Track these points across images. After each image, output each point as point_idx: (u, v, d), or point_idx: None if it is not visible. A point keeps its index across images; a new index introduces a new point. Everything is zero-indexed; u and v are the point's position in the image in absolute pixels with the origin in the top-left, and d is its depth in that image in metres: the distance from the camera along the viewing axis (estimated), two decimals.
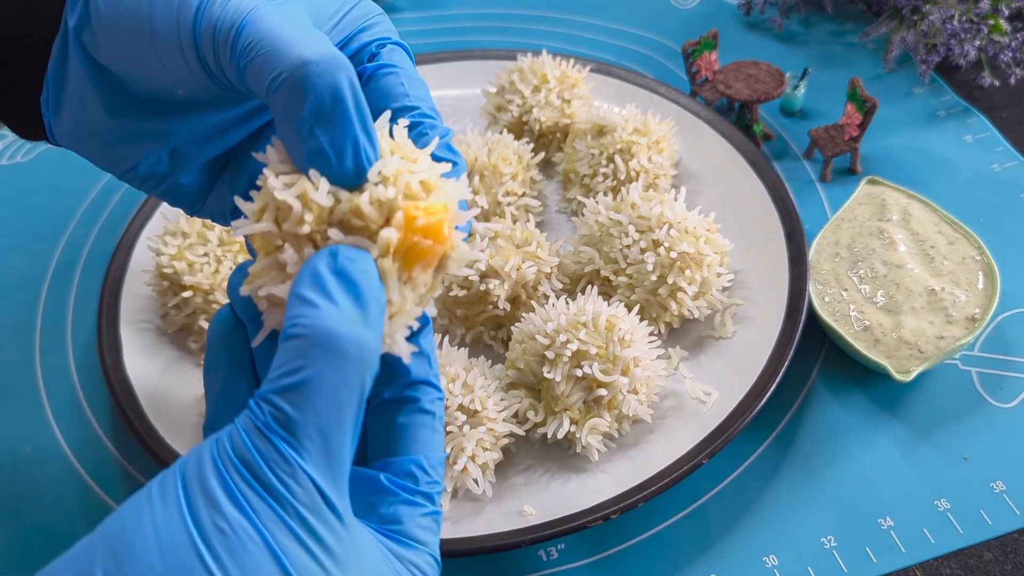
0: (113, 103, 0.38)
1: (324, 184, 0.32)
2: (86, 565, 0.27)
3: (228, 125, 0.41)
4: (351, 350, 0.29)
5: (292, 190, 0.32)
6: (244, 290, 0.33)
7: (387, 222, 0.33)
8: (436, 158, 0.38)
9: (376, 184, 0.33)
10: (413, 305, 0.34)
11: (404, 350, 0.34)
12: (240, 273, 0.37)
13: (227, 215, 0.43)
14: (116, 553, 0.27)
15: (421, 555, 0.35)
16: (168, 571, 0.27)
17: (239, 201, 0.34)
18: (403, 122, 0.36)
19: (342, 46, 0.39)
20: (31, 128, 0.41)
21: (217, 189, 0.43)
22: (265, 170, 0.33)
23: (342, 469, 0.30)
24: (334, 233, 0.32)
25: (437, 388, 0.38)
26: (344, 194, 0.32)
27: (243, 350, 0.37)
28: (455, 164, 0.38)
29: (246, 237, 0.34)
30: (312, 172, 0.32)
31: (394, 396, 0.37)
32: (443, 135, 0.39)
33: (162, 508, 0.28)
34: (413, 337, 0.37)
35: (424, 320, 0.38)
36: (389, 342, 0.33)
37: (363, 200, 0.32)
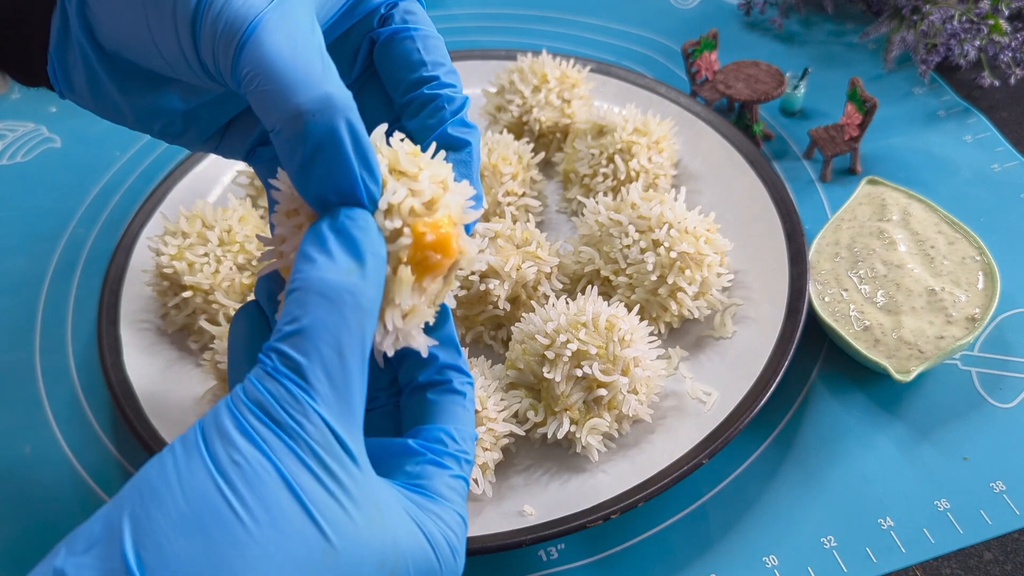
0: (123, 84, 0.39)
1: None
2: (115, 512, 0.28)
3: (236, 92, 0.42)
4: (347, 298, 0.31)
5: (297, 235, 0.34)
6: (279, 314, 0.35)
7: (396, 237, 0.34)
8: (450, 138, 0.39)
9: (382, 212, 0.34)
10: (426, 307, 0.35)
11: (421, 344, 0.35)
12: (264, 282, 0.39)
13: (243, 153, 0.44)
14: (142, 495, 0.28)
15: (446, 509, 0.35)
16: (190, 505, 0.28)
17: (258, 238, 0.36)
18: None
19: (351, 7, 0.39)
20: (30, 75, 0.42)
21: (228, 140, 0.44)
22: (276, 209, 0.35)
23: (353, 416, 0.31)
24: None
25: (466, 373, 0.39)
26: None
27: (268, 332, 0.38)
28: (469, 143, 0.39)
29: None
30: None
31: (427, 380, 0.38)
32: (459, 108, 0.39)
33: (183, 453, 0.29)
34: (436, 331, 0.39)
35: (445, 314, 0.39)
36: (405, 338, 0.35)
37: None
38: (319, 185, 0.32)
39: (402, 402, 0.39)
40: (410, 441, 0.36)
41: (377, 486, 0.32)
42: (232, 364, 0.39)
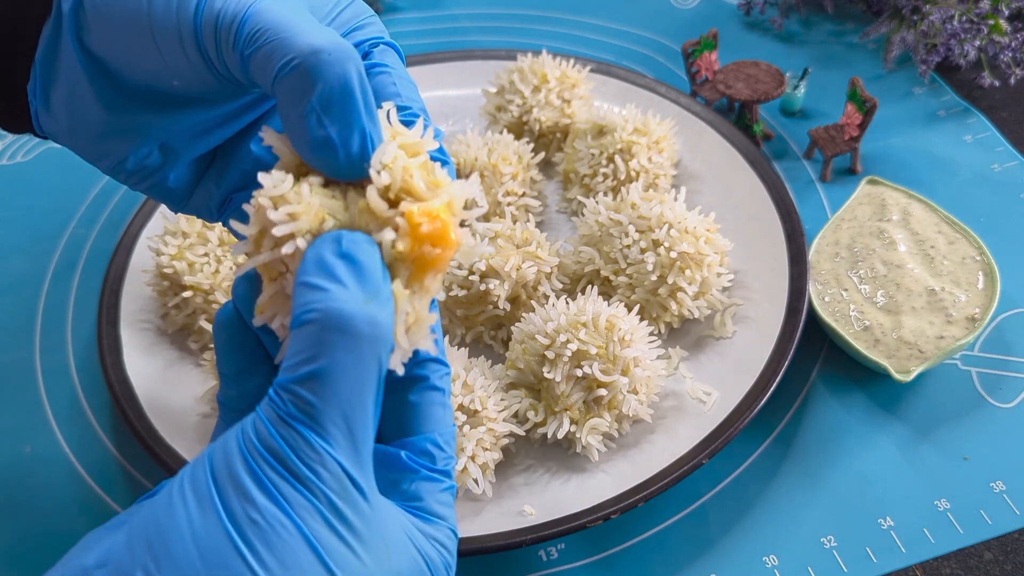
0: (107, 96, 0.38)
1: (316, 200, 0.32)
2: (127, 561, 0.28)
3: (220, 121, 0.41)
4: (365, 329, 0.30)
5: (288, 227, 0.31)
6: (257, 320, 0.33)
7: (394, 206, 0.32)
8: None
9: (378, 172, 0.32)
10: (426, 312, 0.33)
11: (430, 345, 0.34)
12: (242, 282, 0.37)
13: (213, 211, 0.43)
14: (154, 551, 0.28)
15: (441, 529, 0.35)
16: (207, 567, 0.27)
17: (234, 224, 0.33)
18: (388, 105, 0.35)
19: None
20: (14, 120, 0.41)
21: (203, 185, 0.43)
22: (258, 196, 0.32)
23: (367, 449, 0.31)
24: (330, 222, 0.32)
25: (444, 364, 0.38)
26: (339, 206, 0.32)
27: (251, 340, 0.38)
28: (447, 163, 0.38)
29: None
30: (304, 186, 0.32)
31: (404, 375, 0.37)
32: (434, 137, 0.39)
33: (195, 503, 0.28)
34: None
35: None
36: (414, 346, 0.33)
37: (371, 196, 0.32)
38: (325, 132, 0.31)
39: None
40: (403, 455, 0.36)
41: (383, 514, 0.32)
42: (220, 360, 0.38)
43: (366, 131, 0.32)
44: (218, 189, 0.42)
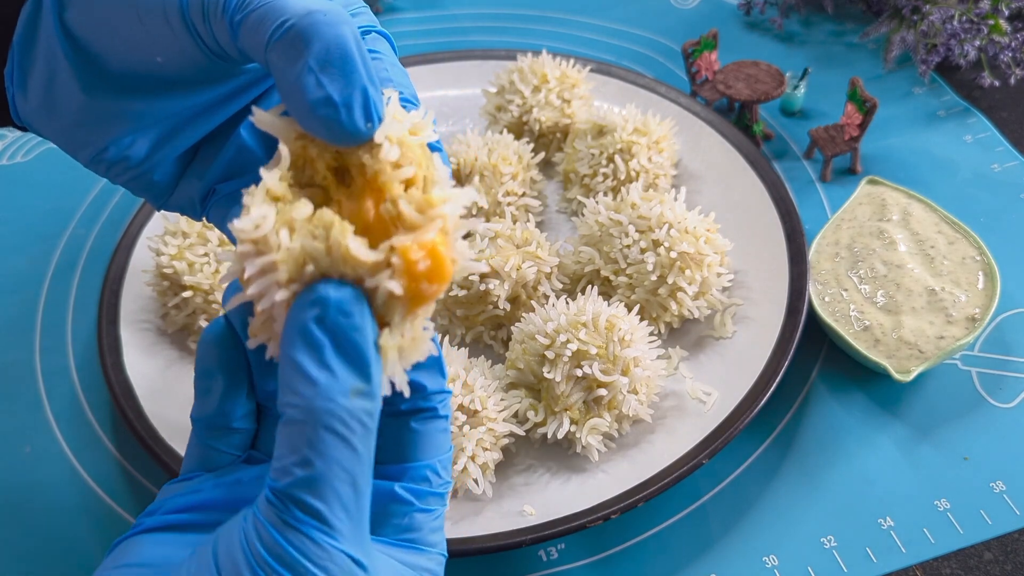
0: (88, 79, 0.36)
1: (297, 243, 0.30)
2: None
3: (203, 108, 0.39)
4: (357, 428, 0.29)
5: (264, 282, 0.30)
6: (252, 343, 0.32)
7: (379, 213, 0.31)
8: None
9: (382, 150, 0.31)
10: (420, 332, 0.32)
11: (432, 348, 0.33)
12: (233, 289, 0.35)
13: (196, 205, 0.41)
14: None
15: (433, 557, 0.35)
16: None
17: (228, 253, 0.33)
18: (389, 90, 0.34)
19: None
20: None
21: (185, 180, 0.41)
22: (239, 237, 0.31)
23: (365, 523, 0.30)
24: (311, 267, 0.30)
25: (449, 392, 0.37)
26: (322, 248, 0.30)
27: (239, 356, 0.37)
28: (439, 150, 0.38)
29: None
30: (284, 232, 0.30)
31: (411, 407, 0.36)
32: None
33: None
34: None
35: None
36: (408, 366, 0.32)
37: (353, 245, 0.30)
38: (324, 91, 0.30)
39: (380, 422, 0.37)
40: (397, 488, 0.35)
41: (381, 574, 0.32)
42: (201, 375, 0.36)
43: (368, 91, 0.31)
44: (200, 182, 0.41)
